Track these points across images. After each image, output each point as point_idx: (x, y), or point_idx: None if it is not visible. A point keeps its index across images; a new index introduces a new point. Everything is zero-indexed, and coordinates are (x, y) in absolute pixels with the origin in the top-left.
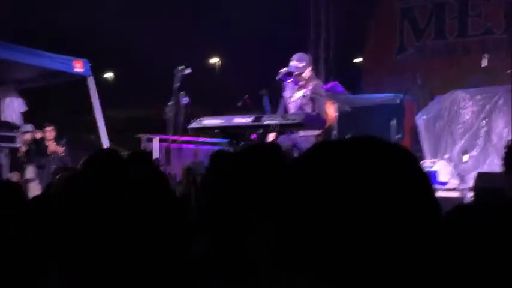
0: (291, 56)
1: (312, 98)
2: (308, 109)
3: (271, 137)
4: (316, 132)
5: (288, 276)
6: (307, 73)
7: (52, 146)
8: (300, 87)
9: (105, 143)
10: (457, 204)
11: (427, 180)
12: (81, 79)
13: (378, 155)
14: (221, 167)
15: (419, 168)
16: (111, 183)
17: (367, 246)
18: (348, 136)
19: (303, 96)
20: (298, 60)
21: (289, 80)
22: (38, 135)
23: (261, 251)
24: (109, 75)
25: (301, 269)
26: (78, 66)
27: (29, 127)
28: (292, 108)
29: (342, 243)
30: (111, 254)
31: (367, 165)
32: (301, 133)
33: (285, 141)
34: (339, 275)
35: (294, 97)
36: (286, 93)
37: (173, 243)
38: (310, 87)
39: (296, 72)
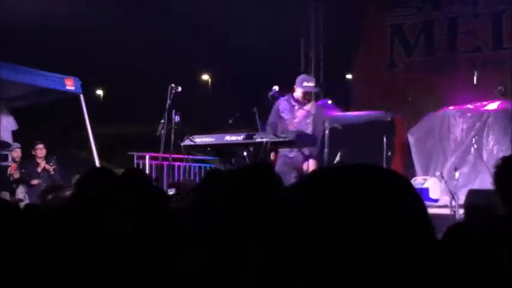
0: (282, 74)
1: (313, 117)
2: (310, 127)
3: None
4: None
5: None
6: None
7: (42, 164)
8: (300, 107)
9: (96, 160)
10: (454, 224)
11: (422, 205)
12: (71, 97)
13: (373, 184)
14: (216, 191)
15: (414, 195)
16: (106, 204)
17: (365, 272)
18: (339, 155)
19: (308, 115)
20: (312, 81)
21: (284, 99)
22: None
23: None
24: (100, 92)
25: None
26: (70, 84)
27: (16, 145)
28: (293, 127)
29: (340, 269)
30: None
31: (362, 196)
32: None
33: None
34: None
35: (297, 117)
36: (285, 114)
37: (165, 253)
38: (310, 105)
39: (313, 92)
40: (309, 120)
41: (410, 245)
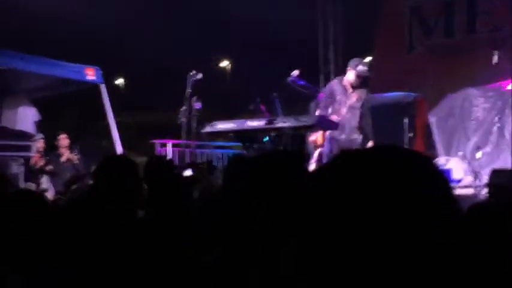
0: (300, 57)
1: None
2: (358, 113)
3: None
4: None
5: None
6: None
7: (66, 153)
8: (353, 91)
9: (119, 149)
10: (475, 203)
11: (448, 186)
12: (93, 86)
13: (400, 165)
14: (243, 174)
15: (440, 176)
16: (124, 191)
17: (393, 251)
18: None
19: (360, 100)
20: (367, 65)
21: (335, 81)
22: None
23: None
24: (120, 81)
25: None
26: (90, 74)
27: (40, 135)
28: (345, 111)
29: (368, 252)
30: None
31: (390, 176)
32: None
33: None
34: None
35: (350, 100)
36: (339, 97)
37: (183, 250)
38: (361, 90)
39: (368, 76)
40: (360, 104)
41: (437, 225)
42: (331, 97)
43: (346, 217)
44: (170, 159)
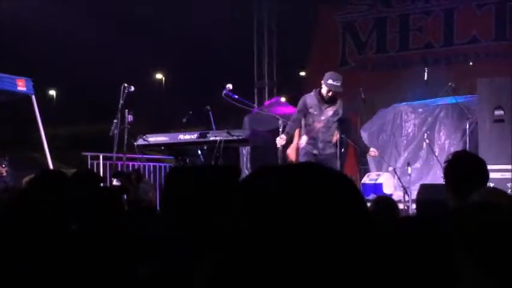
0: (234, 72)
1: (341, 116)
2: (335, 126)
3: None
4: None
5: None
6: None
7: None
8: (327, 106)
9: (50, 161)
10: (402, 217)
11: (362, 203)
12: (25, 98)
13: (316, 182)
14: (183, 186)
15: (355, 194)
16: (55, 204)
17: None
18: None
19: (335, 114)
20: (339, 80)
21: (310, 94)
22: None
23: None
24: (53, 93)
25: None
26: (21, 85)
27: None
28: (320, 125)
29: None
30: (54, 275)
31: (304, 193)
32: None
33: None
34: None
35: (324, 115)
36: (313, 110)
37: (118, 264)
38: (337, 105)
39: (338, 92)
40: (336, 119)
41: (348, 237)
42: (304, 110)
43: (261, 234)
44: (94, 172)
